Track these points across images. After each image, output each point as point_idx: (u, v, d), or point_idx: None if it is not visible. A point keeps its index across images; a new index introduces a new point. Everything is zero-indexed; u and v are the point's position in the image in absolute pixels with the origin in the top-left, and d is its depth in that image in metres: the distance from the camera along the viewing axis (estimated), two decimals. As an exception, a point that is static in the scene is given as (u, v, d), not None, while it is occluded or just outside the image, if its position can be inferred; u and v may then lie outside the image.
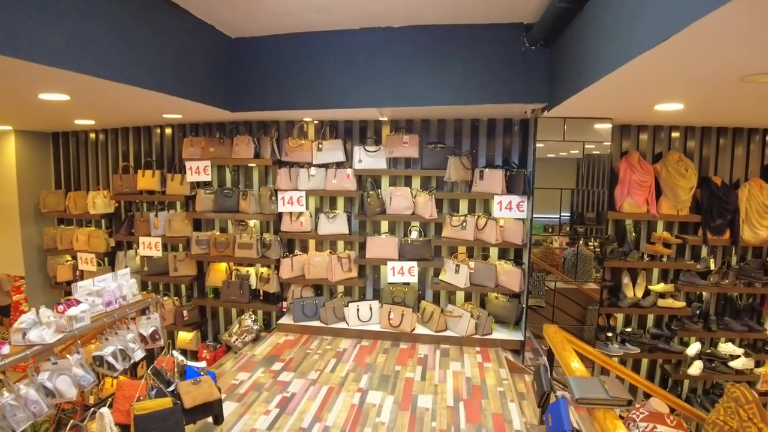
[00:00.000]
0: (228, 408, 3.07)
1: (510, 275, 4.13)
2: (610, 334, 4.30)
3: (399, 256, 4.40)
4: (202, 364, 2.91)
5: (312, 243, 4.90)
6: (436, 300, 4.66)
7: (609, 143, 3.85)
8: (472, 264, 4.25)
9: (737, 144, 4.38)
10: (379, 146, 4.47)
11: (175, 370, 2.70)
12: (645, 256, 4.29)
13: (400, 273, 4.36)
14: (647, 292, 4.36)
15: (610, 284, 4.33)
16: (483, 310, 4.28)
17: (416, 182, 4.61)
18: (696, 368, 4.30)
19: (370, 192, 4.40)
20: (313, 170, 4.58)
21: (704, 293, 4.45)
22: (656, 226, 4.40)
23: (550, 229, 3.97)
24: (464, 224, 4.22)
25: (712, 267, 4.35)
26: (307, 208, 4.66)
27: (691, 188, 4.11)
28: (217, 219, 5.11)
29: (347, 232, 4.56)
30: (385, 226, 4.70)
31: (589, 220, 3.97)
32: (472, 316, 4.13)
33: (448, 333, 4.27)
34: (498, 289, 4.21)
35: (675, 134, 4.33)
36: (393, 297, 4.47)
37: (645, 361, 4.57)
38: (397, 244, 4.40)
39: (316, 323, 4.53)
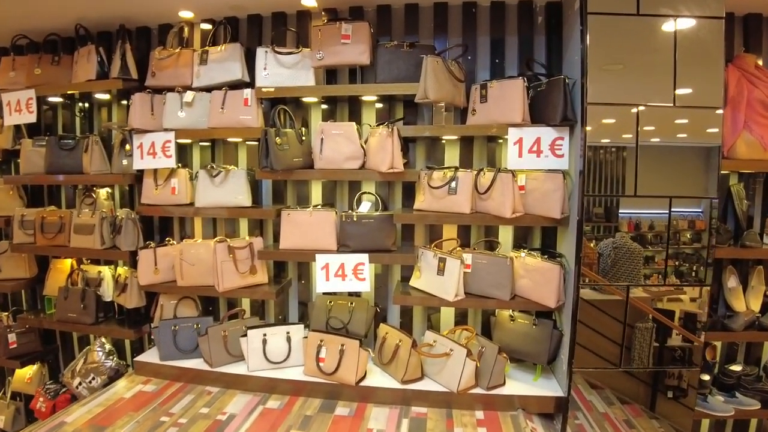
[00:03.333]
0: None
1: (539, 277, 2.35)
2: (706, 377, 2.53)
3: (338, 245, 2.57)
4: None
5: (197, 224, 3.01)
6: (406, 323, 2.83)
7: (721, 17, 2.07)
8: (468, 258, 2.42)
9: None
10: (301, 48, 2.59)
11: None
12: (766, 240, 2.53)
13: (340, 276, 2.53)
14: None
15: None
16: (488, 340, 2.45)
17: (368, 113, 2.75)
18: None
19: (284, 130, 2.53)
20: (188, 95, 2.69)
21: None
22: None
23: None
24: (454, 185, 2.38)
25: None
26: (181, 164, 2.82)
27: None
28: (58, 187, 3.38)
29: (247, 203, 2.68)
30: (315, 191, 2.83)
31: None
32: (469, 352, 2.32)
33: (426, 385, 2.46)
34: (516, 303, 2.40)
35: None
36: (328, 319, 2.62)
37: (754, 424, 2.83)
38: (335, 223, 2.56)
39: (196, 363, 2.69)
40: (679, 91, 2.13)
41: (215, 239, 2.72)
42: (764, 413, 2.60)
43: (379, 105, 2.74)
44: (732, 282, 2.56)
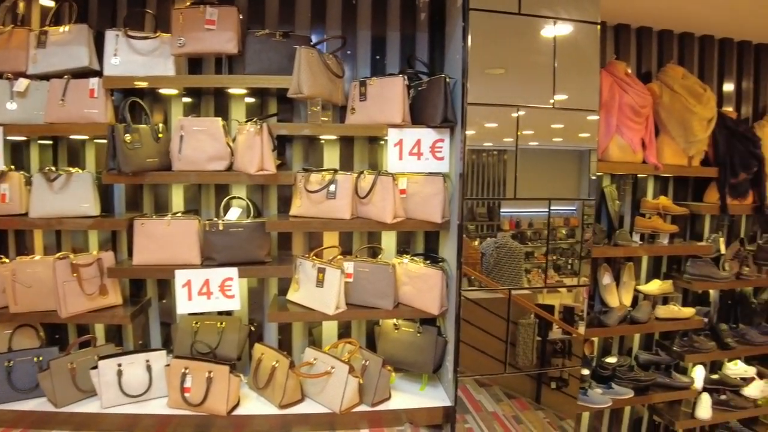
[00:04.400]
0: None
1: (421, 284, 2.26)
2: (585, 372, 2.62)
3: (202, 259, 2.28)
4: None
5: (37, 238, 2.57)
6: (285, 340, 2.62)
7: (598, 23, 2.12)
8: (349, 266, 2.28)
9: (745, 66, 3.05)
10: (159, 33, 2.27)
11: None
12: (635, 238, 2.68)
13: (205, 294, 2.26)
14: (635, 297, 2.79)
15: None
16: (372, 353, 2.33)
17: (237, 108, 2.49)
18: (706, 408, 2.83)
19: (136, 126, 2.21)
20: (21, 83, 2.27)
21: (711, 292, 2.99)
22: (646, 189, 2.81)
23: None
24: (333, 188, 2.22)
25: (723, 250, 2.88)
26: (14, 165, 2.38)
27: (710, 120, 2.56)
28: None
29: (94, 212, 2.31)
30: (177, 197, 2.52)
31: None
32: (351, 369, 2.17)
33: (307, 407, 2.28)
34: (399, 311, 2.30)
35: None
36: (193, 343, 2.33)
37: (628, 410, 3.00)
38: (198, 233, 2.26)
39: (38, 404, 2.28)
40: (557, 95, 2.16)
41: (56, 256, 2.31)
42: (637, 400, 2.77)
43: (250, 100, 2.50)
44: (606, 279, 2.67)
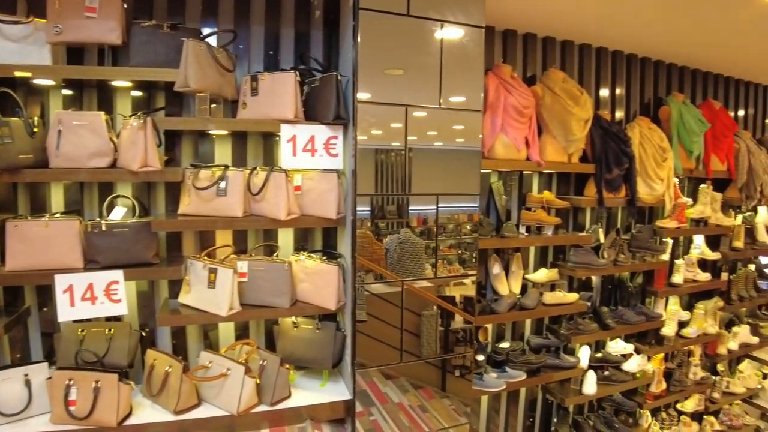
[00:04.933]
0: None
1: (318, 280, 2.30)
2: (481, 358, 2.78)
3: (85, 262, 2.16)
4: None
5: None
6: (180, 345, 2.55)
7: (482, 27, 2.27)
8: (243, 266, 2.26)
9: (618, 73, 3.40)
10: (32, 18, 2.13)
11: None
12: (522, 230, 2.88)
13: (89, 299, 2.15)
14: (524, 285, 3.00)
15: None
16: (270, 352, 2.33)
17: (123, 102, 2.39)
18: (592, 383, 3.11)
19: (6, 119, 2.06)
20: None
21: (593, 278, 3.28)
22: (531, 184, 3.04)
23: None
24: (223, 185, 2.19)
25: (602, 239, 3.18)
26: None
27: (587, 120, 2.82)
28: None
29: (-44, 214, 2.11)
30: (57, 196, 2.37)
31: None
32: (248, 369, 2.17)
33: (204, 411, 2.24)
34: (297, 309, 2.32)
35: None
36: (78, 352, 2.21)
37: (524, 391, 3.22)
38: (79, 234, 2.14)
39: None
40: (444, 95, 2.27)
41: None
42: (530, 382, 2.97)
43: (136, 93, 2.39)
44: (496, 269, 2.85)
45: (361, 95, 2.13)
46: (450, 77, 2.28)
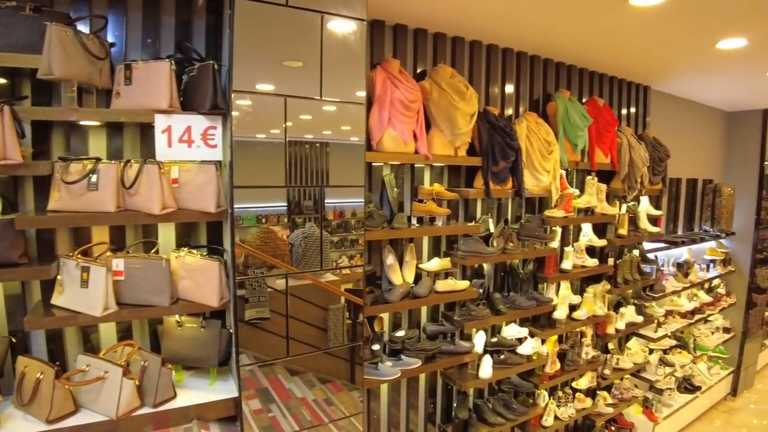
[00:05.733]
0: None
1: (199, 277, 2.26)
2: (376, 347, 2.86)
3: (-67, 264, 1.99)
4: None
5: None
6: (57, 350, 2.40)
7: (364, 19, 2.33)
8: (118, 263, 2.19)
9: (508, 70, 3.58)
10: None
11: None
12: (414, 222, 2.99)
13: (-63, 303, 1.97)
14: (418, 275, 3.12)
15: (369, 270, 2.89)
16: (152, 353, 2.28)
17: (-26, 92, 2.22)
18: (488, 367, 3.29)
19: None
20: None
21: (485, 266, 3.47)
22: (423, 177, 3.16)
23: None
24: (94, 179, 2.11)
25: (492, 229, 3.37)
26: None
27: (473, 115, 2.97)
28: None
29: None
30: None
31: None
32: (126, 371, 2.10)
33: (82, 418, 2.13)
34: (178, 307, 2.28)
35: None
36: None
37: (423, 378, 3.35)
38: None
39: None
40: (326, 87, 2.31)
41: None
42: (426, 368, 3.07)
43: (-1, 80, 2.24)
44: (390, 259, 2.93)
45: (239, 85, 2.12)
46: (331, 69, 2.32)
